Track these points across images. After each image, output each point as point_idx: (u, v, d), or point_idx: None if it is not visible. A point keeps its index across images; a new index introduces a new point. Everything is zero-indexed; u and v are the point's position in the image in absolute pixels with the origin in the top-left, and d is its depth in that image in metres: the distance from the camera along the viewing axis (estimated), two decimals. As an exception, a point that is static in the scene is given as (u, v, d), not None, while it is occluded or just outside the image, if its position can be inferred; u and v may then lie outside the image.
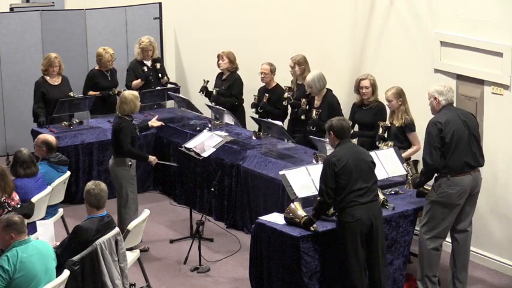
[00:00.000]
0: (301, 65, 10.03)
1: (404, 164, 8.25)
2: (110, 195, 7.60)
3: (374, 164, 7.42)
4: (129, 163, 9.04)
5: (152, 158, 9.27)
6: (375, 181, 7.36)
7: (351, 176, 7.19)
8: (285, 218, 7.49)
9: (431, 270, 7.86)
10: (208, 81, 10.91)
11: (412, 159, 8.32)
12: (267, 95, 10.25)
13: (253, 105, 10.39)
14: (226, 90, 10.70)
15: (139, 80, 11.17)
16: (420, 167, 8.05)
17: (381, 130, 8.75)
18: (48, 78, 10.82)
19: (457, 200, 7.69)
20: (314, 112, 9.49)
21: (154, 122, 9.67)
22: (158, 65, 11.37)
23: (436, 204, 7.71)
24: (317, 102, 9.61)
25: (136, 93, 9.20)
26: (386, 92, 8.81)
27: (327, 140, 8.65)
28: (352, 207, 7.18)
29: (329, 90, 9.63)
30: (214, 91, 10.68)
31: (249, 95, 10.64)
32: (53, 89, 10.78)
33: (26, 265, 6.39)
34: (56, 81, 10.86)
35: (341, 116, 9.35)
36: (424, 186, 8.10)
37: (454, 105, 8.49)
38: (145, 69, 11.24)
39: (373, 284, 7.41)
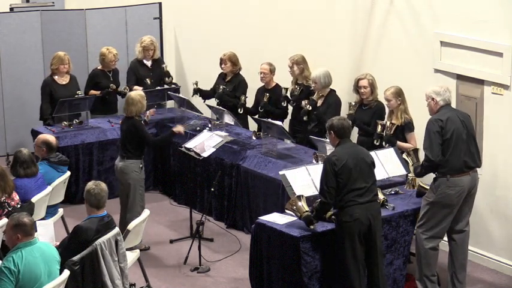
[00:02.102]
0: (299, 64, 10.03)
1: (404, 154, 8.19)
2: (110, 195, 7.61)
3: (374, 165, 7.43)
4: (140, 165, 9.02)
5: (178, 128, 9.29)
6: (374, 181, 7.37)
7: (350, 175, 7.19)
8: (286, 209, 7.49)
9: (429, 270, 7.86)
10: (197, 82, 10.89)
11: (412, 149, 8.23)
12: (267, 94, 10.25)
13: (241, 105, 10.45)
14: (231, 92, 10.69)
15: (140, 88, 11.14)
16: (421, 155, 8.02)
17: (379, 128, 8.73)
18: (56, 77, 10.84)
19: (456, 201, 7.69)
20: (317, 102, 9.51)
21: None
22: (165, 67, 11.35)
23: (435, 205, 7.71)
24: (319, 102, 9.61)
25: (142, 93, 9.16)
26: (385, 92, 8.81)
27: (327, 140, 8.68)
28: (350, 206, 7.19)
29: (332, 90, 9.63)
30: (221, 88, 10.66)
31: (249, 95, 10.63)
32: (61, 88, 10.79)
33: (30, 267, 6.39)
34: (64, 80, 10.88)
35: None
36: (424, 186, 8.10)
37: (454, 105, 8.53)
38: (145, 71, 11.22)
39: (372, 284, 7.41)
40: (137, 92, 9.16)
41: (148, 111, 9.71)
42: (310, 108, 9.63)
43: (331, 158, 7.28)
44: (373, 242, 7.31)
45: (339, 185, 7.19)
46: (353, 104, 9.17)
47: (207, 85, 11.02)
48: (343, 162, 7.20)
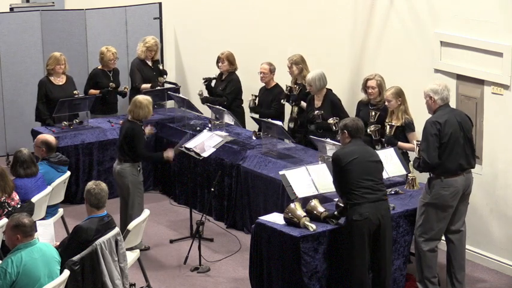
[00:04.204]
0: (298, 64, 10.03)
1: (415, 141, 8.11)
2: (110, 195, 7.61)
3: (382, 165, 7.48)
4: (138, 168, 9.00)
5: (167, 154, 9.09)
6: (382, 181, 7.42)
7: (360, 171, 7.24)
8: (285, 218, 7.50)
9: (430, 272, 7.85)
10: (202, 92, 10.93)
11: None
12: (254, 96, 10.26)
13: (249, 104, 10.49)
14: (223, 91, 10.71)
15: (149, 85, 11.15)
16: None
17: (377, 134, 8.74)
18: (52, 78, 10.83)
19: (451, 201, 7.69)
20: (316, 113, 9.46)
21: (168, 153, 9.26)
22: (161, 66, 11.42)
23: (430, 207, 7.70)
24: (317, 103, 9.60)
25: (149, 98, 9.10)
26: (385, 92, 8.81)
27: (327, 140, 8.69)
28: (360, 204, 7.21)
29: (329, 90, 9.63)
30: (201, 93, 10.77)
31: (249, 95, 10.63)
32: (57, 89, 10.79)
33: (30, 268, 6.39)
34: (60, 81, 10.87)
35: (346, 115, 9.40)
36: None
37: (454, 104, 8.54)
38: (149, 70, 11.24)
39: (376, 285, 7.41)
40: (145, 97, 9.11)
41: (147, 128, 9.51)
42: (307, 107, 9.66)
43: (336, 154, 7.36)
44: (382, 242, 7.32)
45: (348, 180, 7.23)
46: (373, 114, 9.06)
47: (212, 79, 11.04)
48: (353, 158, 7.26)
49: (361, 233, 7.21)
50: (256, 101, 10.47)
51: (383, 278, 7.41)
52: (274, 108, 10.26)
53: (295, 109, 9.98)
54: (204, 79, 10.92)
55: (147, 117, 9.05)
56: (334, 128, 9.11)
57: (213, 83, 10.93)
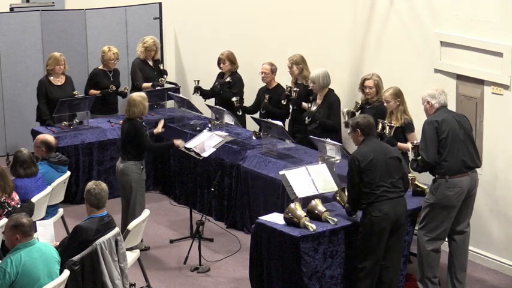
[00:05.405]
0: (298, 64, 10.03)
1: (409, 143, 8.14)
2: (110, 195, 7.61)
3: (400, 159, 7.48)
4: (141, 166, 9.01)
5: (178, 142, 9.20)
6: (400, 176, 7.41)
7: (378, 171, 7.26)
8: (285, 218, 7.50)
9: (431, 272, 7.85)
10: (199, 81, 10.94)
11: (416, 143, 8.18)
12: (267, 96, 10.24)
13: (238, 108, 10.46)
14: (230, 89, 10.70)
15: (150, 84, 11.16)
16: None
17: (380, 127, 8.72)
18: (52, 78, 10.83)
19: (456, 202, 7.69)
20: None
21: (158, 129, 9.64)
22: (161, 66, 11.45)
23: (435, 207, 7.70)
24: (318, 102, 9.61)
25: (144, 94, 9.14)
26: (384, 93, 8.81)
27: (328, 140, 8.68)
28: (380, 201, 7.23)
29: (331, 90, 9.63)
30: (218, 86, 10.74)
31: (249, 95, 10.64)
32: (56, 89, 10.79)
33: (29, 268, 6.39)
34: (59, 81, 10.87)
35: (338, 117, 9.43)
36: (419, 184, 8.10)
37: (454, 104, 8.55)
38: (151, 70, 11.25)
39: (383, 283, 7.42)
40: (139, 94, 9.15)
41: (158, 127, 9.65)
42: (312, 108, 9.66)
43: (354, 156, 7.36)
44: (394, 240, 7.34)
45: (367, 181, 7.25)
46: (358, 103, 9.15)
47: (207, 85, 11.04)
48: (370, 159, 7.27)
49: (381, 229, 7.24)
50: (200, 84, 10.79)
51: (390, 276, 7.41)
52: (284, 107, 10.23)
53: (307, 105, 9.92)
54: (194, 92, 10.92)
55: (143, 113, 9.06)
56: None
57: (202, 85, 10.93)
